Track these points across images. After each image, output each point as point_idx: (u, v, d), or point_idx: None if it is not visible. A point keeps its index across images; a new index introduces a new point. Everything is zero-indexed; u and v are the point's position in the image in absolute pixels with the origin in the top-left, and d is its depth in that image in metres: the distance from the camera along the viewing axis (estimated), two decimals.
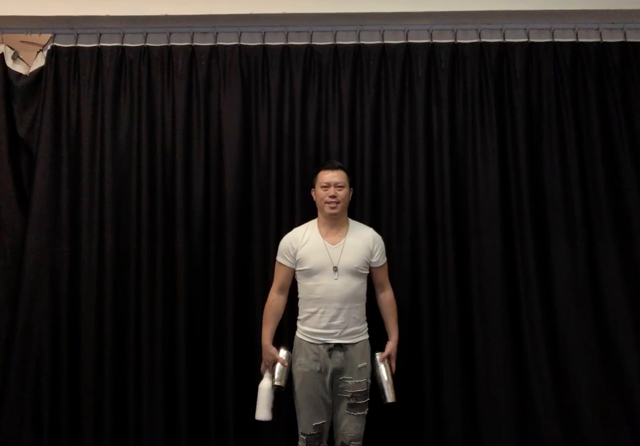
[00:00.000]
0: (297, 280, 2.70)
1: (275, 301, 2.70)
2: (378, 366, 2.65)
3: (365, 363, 2.62)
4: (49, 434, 3.00)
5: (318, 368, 2.56)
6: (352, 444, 2.58)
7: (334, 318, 2.58)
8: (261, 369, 2.69)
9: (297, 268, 2.67)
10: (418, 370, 2.98)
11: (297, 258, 2.65)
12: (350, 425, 2.57)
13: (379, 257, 2.72)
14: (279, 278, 2.72)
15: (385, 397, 2.62)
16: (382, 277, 2.76)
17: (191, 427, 3.02)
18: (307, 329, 2.61)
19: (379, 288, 2.77)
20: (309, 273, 2.62)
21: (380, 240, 2.76)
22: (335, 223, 2.69)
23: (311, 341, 2.59)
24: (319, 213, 2.73)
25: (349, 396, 2.57)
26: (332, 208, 2.64)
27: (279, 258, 2.72)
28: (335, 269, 2.60)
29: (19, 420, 2.99)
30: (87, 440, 2.99)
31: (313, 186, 2.76)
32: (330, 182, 2.66)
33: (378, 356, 2.67)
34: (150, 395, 3.01)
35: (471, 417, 2.96)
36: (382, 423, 2.94)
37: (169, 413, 3.01)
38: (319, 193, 2.69)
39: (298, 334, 2.66)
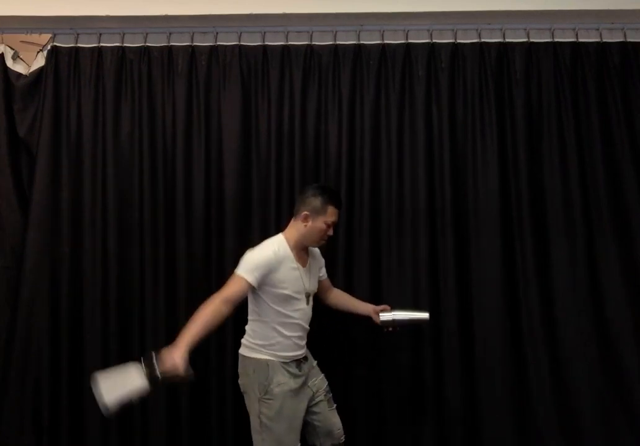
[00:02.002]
0: (267, 304, 2.45)
1: (222, 311, 2.32)
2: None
3: (316, 361, 2.65)
4: (49, 434, 3.00)
5: (295, 384, 2.46)
6: (342, 439, 2.60)
7: (303, 339, 2.56)
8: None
9: (274, 290, 2.43)
10: (418, 369, 2.98)
11: (273, 281, 2.42)
12: (335, 419, 2.60)
13: (324, 270, 2.75)
14: (236, 291, 2.37)
15: (423, 316, 2.69)
16: (329, 283, 2.80)
17: (193, 429, 3.02)
18: (281, 353, 2.46)
19: (328, 290, 2.77)
20: (287, 298, 2.45)
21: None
22: (307, 249, 2.62)
23: (284, 360, 2.47)
24: (295, 234, 2.54)
25: (324, 394, 2.58)
26: (323, 244, 2.62)
27: (244, 274, 2.38)
28: (308, 294, 2.55)
29: (19, 420, 2.99)
30: (87, 441, 3.00)
31: (310, 212, 2.51)
32: (335, 222, 2.58)
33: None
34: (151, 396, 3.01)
35: (471, 417, 2.96)
36: (382, 423, 2.94)
37: (171, 414, 3.01)
38: (319, 227, 2.51)
39: (266, 356, 2.44)
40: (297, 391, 2.46)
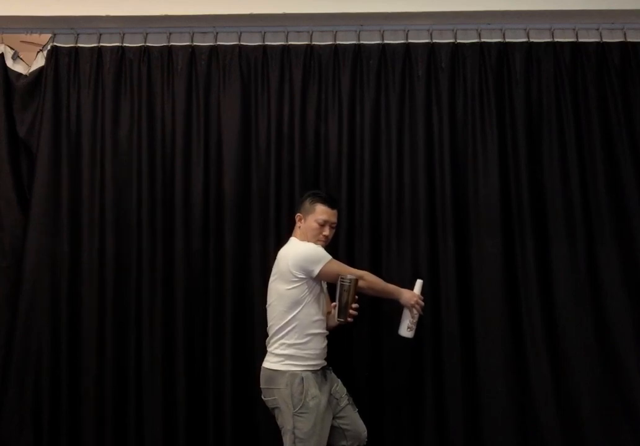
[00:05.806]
0: (306, 302, 2.48)
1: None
2: None
3: (331, 367, 2.63)
4: (49, 435, 2.99)
5: (325, 399, 2.47)
6: (366, 441, 2.62)
7: (325, 341, 2.59)
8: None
9: (319, 285, 2.55)
10: (418, 370, 2.98)
11: None
12: (360, 421, 2.62)
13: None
14: (342, 266, 2.57)
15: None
16: None
17: (189, 430, 3.00)
18: (310, 352, 2.47)
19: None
20: (321, 291, 2.58)
21: None
22: None
23: (314, 369, 2.48)
24: (298, 236, 2.64)
25: (347, 398, 2.60)
26: (322, 244, 2.60)
27: (327, 258, 2.51)
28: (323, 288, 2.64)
29: (19, 421, 2.98)
30: (87, 442, 2.99)
31: (302, 213, 2.63)
32: (328, 221, 2.60)
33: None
34: (149, 395, 3.00)
35: (471, 417, 2.95)
36: (382, 423, 2.94)
37: (168, 415, 2.99)
38: (312, 226, 2.58)
39: (294, 368, 2.44)
40: (326, 406, 2.47)
